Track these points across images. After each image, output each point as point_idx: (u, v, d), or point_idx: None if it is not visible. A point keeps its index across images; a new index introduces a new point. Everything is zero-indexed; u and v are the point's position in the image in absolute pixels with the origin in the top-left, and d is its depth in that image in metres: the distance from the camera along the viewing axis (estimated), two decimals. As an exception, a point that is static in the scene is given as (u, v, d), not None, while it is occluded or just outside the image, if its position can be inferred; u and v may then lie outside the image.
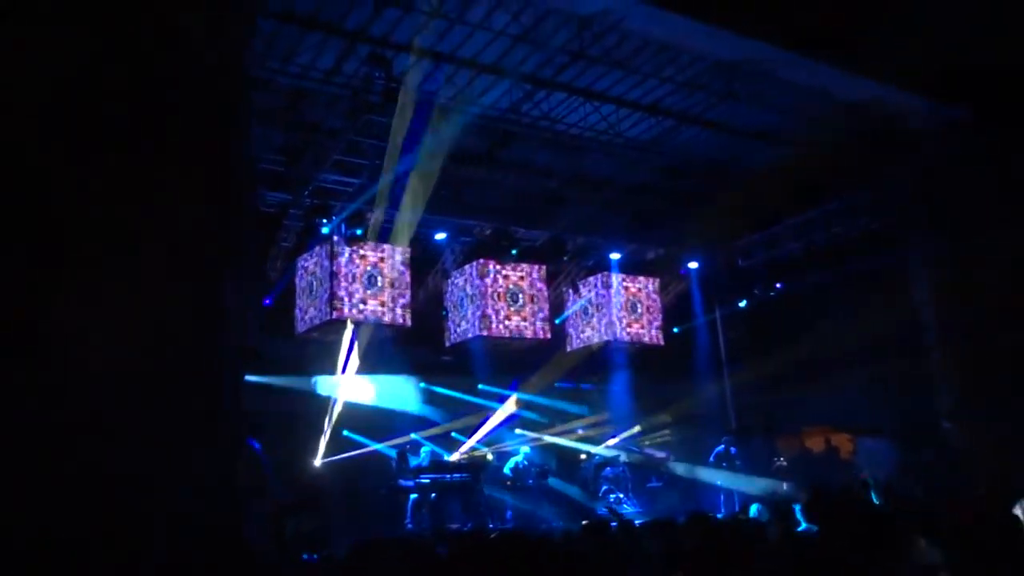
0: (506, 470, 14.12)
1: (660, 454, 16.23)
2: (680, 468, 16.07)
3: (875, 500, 7.74)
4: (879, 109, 12.69)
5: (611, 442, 16.57)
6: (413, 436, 14.61)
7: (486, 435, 15.55)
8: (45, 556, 5.18)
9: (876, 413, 14.34)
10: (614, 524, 6.14)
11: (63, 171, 6.08)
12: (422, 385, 15.52)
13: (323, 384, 14.47)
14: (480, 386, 15.86)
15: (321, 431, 13.95)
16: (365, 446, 14.27)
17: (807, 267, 15.36)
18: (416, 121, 11.40)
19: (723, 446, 14.81)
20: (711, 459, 14.81)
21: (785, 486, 13.71)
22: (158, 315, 6.62)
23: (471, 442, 15.21)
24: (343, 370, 13.70)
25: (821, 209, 14.95)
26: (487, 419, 15.52)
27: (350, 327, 13.20)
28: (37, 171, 5.98)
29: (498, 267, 14.40)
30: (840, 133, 13.35)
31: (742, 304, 17.10)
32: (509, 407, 15.69)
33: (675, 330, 17.15)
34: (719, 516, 10.87)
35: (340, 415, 14.66)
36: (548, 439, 16.23)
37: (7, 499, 5.38)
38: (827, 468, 14.28)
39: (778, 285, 16.33)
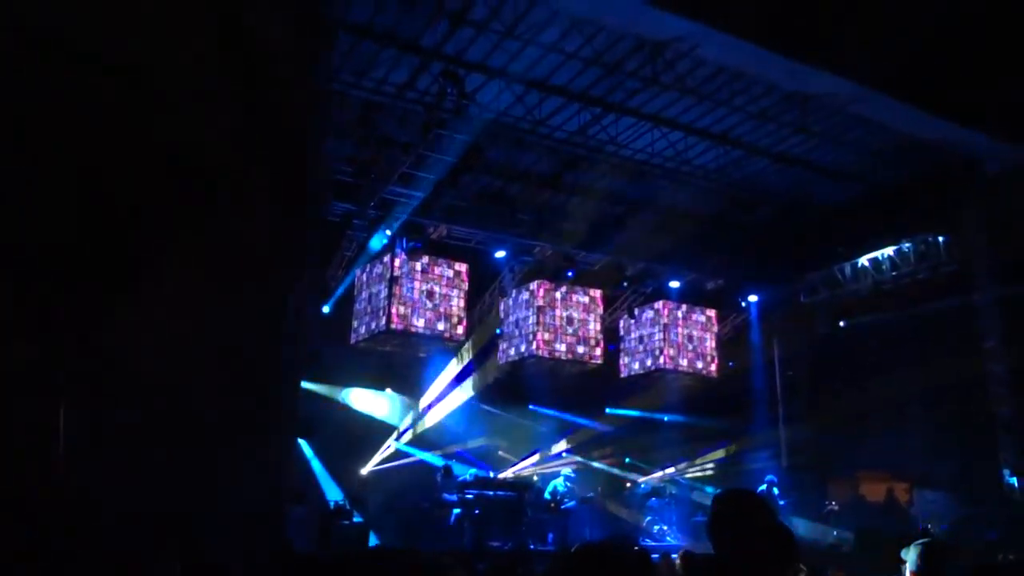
0: (546, 493, 14.04)
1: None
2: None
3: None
4: (955, 150, 12.39)
5: (659, 474, 16.38)
6: (459, 452, 14.66)
7: (532, 459, 15.57)
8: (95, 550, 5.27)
9: (936, 462, 13.86)
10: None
11: (131, 177, 6.24)
12: (474, 403, 15.56)
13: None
14: (530, 406, 15.83)
15: (372, 440, 14.15)
16: (411, 456, 14.45)
17: (872, 307, 14.94)
18: (484, 138, 11.50)
19: (765, 486, 14.40)
20: None
21: (835, 532, 13.32)
22: (220, 318, 6.75)
23: (523, 465, 15.23)
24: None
25: (890, 249, 14.56)
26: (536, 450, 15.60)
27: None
28: (106, 178, 6.12)
29: (555, 289, 14.37)
30: (913, 173, 13.08)
31: (802, 341, 16.72)
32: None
33: (731, 364, 16.87)
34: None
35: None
36: (595, 464, 16.10)
37: (69, 496, 5.51)
38: (882, 516, 13.82)
39: (841, 324, 15.92)
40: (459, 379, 14.80)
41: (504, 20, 10.00)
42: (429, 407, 15.31)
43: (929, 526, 10.72)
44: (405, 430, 15.06)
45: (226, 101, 6.46)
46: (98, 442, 5.87)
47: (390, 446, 14.69)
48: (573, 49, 10.60)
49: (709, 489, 16.68)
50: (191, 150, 6.36)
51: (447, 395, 15.20)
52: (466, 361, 14.54)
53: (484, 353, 15.04)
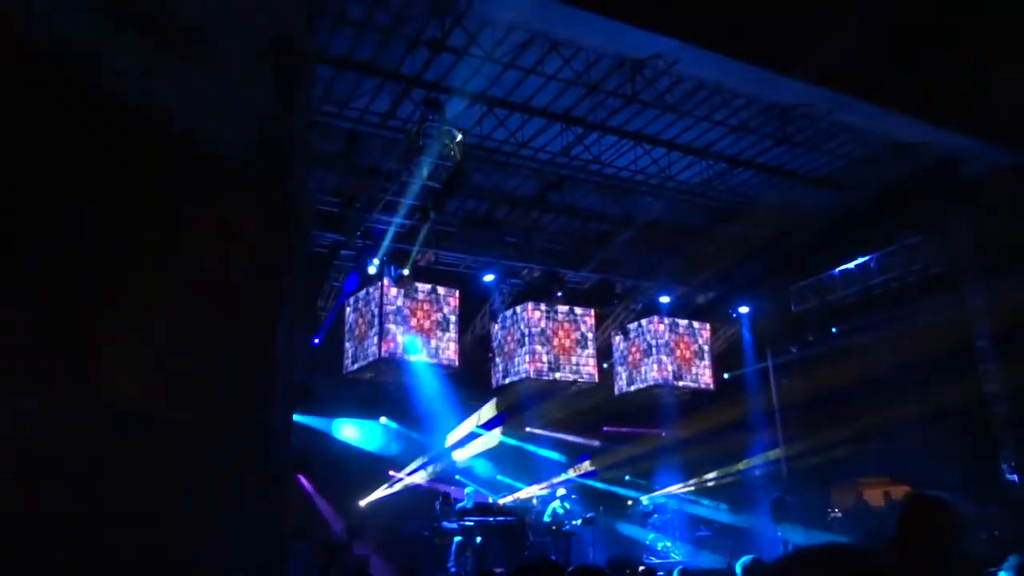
0: (546, 516, 13.92)
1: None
2: (729, 517, 15.70)
3: None
4: (937, 153, 12.49)
5: (660, 491, 16.30)
6: (458, 477, 14.54)
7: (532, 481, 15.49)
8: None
9: (936, 464, 13.82)
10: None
11: (116, 209, 6.18)
12: (476, 430, 15.50)
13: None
14: (527, 428, 15.75)
15: (369, 471, 14.04)
16: (409, 485, 14.34)
17: (863, 313, 14.96)
18: (468, 162, 11.51)
19: (780, 493, 14.43)
20: (769, 506, 14.42)
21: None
22: (210, 352, 6.67)
23: (527, 492, 15.14)
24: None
25: (877, 253, 14.62)
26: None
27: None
28: (87, 209, 6.06)
29: (546, 309, 14.34)
30: (896, 177, 13.16)
31: (795, 350, 16.72)
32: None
33: (725, 376, 16.85)
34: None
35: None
36: (595, 484, 16.02)
37: (52, 536, 5.41)
38: (886, 521, 13.75)
39: (833, 331, 15.93)
40: (453, 403, 14.69)
41: (483, 45, 10.04)
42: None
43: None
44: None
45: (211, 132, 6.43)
46: (93, 486, 5.78)
47: (399, 479, 14.53)
48: (553, 71, 10.64)
49: (708, 503, 16.61)
50: (173, 179, 6.33)
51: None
52: (459, 385, 14.36)
53: (477, 377, 14.93)
